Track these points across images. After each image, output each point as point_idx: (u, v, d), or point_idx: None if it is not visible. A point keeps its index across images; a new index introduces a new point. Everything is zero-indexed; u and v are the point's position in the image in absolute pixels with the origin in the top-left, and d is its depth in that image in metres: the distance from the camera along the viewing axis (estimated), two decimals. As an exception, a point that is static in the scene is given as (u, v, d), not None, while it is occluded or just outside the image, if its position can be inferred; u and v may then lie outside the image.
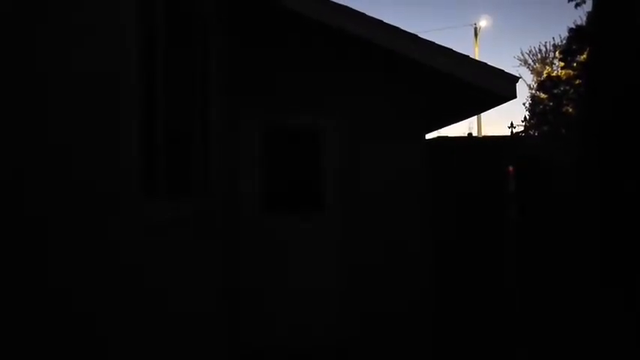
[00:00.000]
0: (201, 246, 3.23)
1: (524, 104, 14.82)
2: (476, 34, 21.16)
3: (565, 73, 12.74)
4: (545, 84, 13.20)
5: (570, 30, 12.50)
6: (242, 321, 4.11)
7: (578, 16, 13.10)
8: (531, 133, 12.34)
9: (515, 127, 7.81)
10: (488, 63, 3.84)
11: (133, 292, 1.89)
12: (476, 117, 21.07)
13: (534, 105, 14.13)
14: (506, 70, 3.82)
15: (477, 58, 4.25)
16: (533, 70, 18.71)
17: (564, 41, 13.59)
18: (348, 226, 4.11)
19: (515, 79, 3.82)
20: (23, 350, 1.14)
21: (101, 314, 1.60)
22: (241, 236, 4.13)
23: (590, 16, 7.39)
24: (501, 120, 49.35)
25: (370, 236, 4.10)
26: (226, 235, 4.06)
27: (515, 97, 3.83)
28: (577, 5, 11.66)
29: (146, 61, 2.21)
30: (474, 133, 19.95)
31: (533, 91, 15.82)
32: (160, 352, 2.22)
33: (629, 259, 4.72)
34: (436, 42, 3.77)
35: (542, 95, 13.51)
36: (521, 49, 27.34)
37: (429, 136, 6.58)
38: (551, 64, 17.63)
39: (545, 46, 20.57)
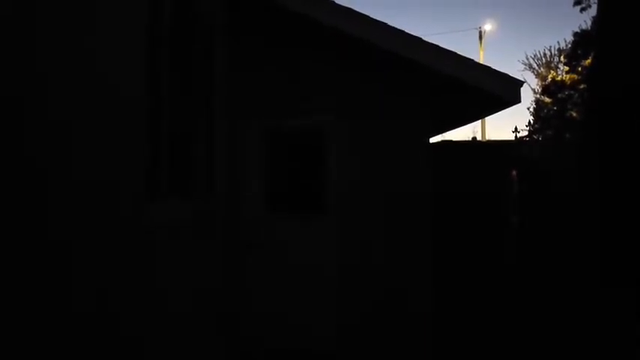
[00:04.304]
0: (201, 246, 3.23)
1: (528, 108, 14.75)
2: (481, 38, 21.15)
3: (570, 78, 12.70)
4: (550, 88, 13.16)
5: (575, 34, 12.48)
6: (242, 321, 4.10)
7: (584, 21, 13.14)
8: (535, 137, 12.30)
9: (519, 132, 7.77)
10: (493, 67, 3.83)
11: (133, 291, 1.89)
12: (480, 121, 21.04)
13: (539, 109, 14.08)
14: (510, 74, 3.80)
15: (481, 62, 4.24)
16: (537, 75, 18.66)
17: (569, 46, 13.56)
18: (349, 226, 4.10)
19: (519, 83, 3.80)
20: (29, 336, 1.14)
21: (102, 312, 1.60)
22: (241, 237, 4.13)
23: (595, 20, 7.37)
24: (505, 124, 49.23)
25: (372, 237, 4.09)
26: (227, 235, 4.06)
27: (519, 101, 3.81)
28: (582, 10, 11.65)
29: (152, 63, 2.21)
30: (478, 137, 19.91)
31: (538, 96, 15.77)
32: (159, 349, 2.21)
33: (630, 260, 4.71)
34: (441, 45, 3.76)
35: (547, 100, 13.46)
36: (526, 53, 27.31)
37: (433, 139, 6.58)
38: (556, 68, 17.59)
39: (550, 50, 20.52)
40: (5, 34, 1.10)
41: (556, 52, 18.08)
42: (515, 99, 3.79)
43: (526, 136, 10.39)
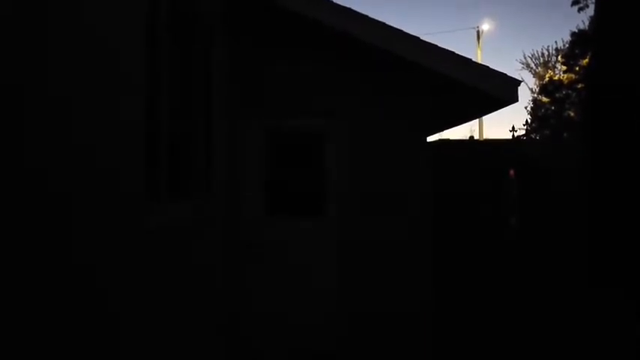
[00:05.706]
0: (201, 246, 3.24)
1: (526, 108, 14.78)
2: (478, 38, 21.20)
3: (567, 77, 12.74)
4: (548, 88, 13.20)
5: (573, 34, 12.53)
6: (241, 321, 4.11)
7: (581, 21, 13.21)
8: (533, 136, 12.34)
9: (516, 131, 7.78)
10: (491, 66, 3.85)
11: (133, 291, 1.89)
12: (477, 120, 21.09)
13: (536, 109, 14.13)
14: (508, 74, 3.82)
15: (479, 62, 4.25)
16: (535, 74, 18.71)
17: (567, 45, 13.62)
18: (349, 226, 4.11)
19: (517, 83, 3.81)
20: (35, 334, 1.14)
21: (102, 312, 1.60)
22: (241, 237, 4.13)
23: (593, 20, 7.40)
24: (503, 123, 49.36)
25: (372, 236, 4.10)
26: (227, 235, 4.06)
27: (516, 100, 3.83)
28: (580, 9, 11.71)
29: (151, 63, 2.21)
30: (476, 137, 19.95)
31: (536, 95, 15.82)
32: (159, 349, 2.22)
33: (623, 260, 4.74)
34: (438, 45, 3.77)
35: (545, 99, 13.51)
36: (523, 53, 27.41)
37: (430, 138, 6.59)
38: (554, 67, 17.64)
39: (548, 49, 20.60)
40: (4, 35, 1.11)
41: (554, 52, 18.14)
42: (513, 98, 3.81)
43: (523, 135, 10.43)
